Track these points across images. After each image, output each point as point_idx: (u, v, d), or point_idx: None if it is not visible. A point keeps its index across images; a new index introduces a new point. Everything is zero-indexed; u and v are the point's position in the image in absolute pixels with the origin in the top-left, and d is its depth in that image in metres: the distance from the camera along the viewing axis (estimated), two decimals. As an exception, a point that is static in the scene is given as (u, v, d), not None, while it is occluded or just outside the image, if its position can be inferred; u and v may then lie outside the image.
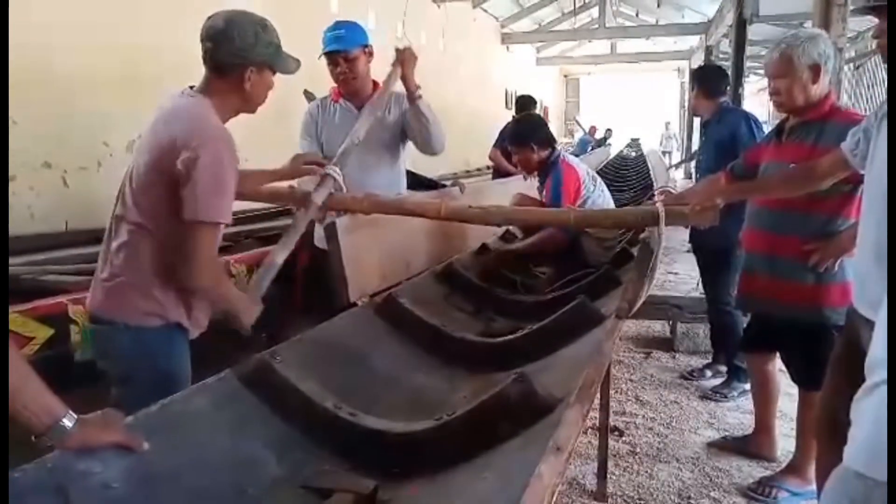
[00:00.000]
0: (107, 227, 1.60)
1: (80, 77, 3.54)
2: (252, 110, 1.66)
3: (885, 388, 0.81)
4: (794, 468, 2.30)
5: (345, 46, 2.46)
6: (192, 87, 1.60)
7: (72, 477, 1.04)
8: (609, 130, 15.93)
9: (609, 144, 14.74)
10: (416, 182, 3.70)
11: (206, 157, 1.44)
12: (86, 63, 3.56)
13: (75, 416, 1.04)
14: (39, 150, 3.40)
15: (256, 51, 1.55)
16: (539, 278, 3.26)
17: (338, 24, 2.51)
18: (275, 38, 1.61)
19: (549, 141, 3.16)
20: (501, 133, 5.74)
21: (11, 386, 0.95)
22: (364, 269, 2.22)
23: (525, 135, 3.17)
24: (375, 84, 2.54)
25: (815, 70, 2.07)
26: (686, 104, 10.59)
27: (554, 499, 1.01)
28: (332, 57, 2.47)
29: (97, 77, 3.61)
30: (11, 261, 2.53)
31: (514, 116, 5.92)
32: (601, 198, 3.11)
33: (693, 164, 6.22)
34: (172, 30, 3.48)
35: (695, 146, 8.66)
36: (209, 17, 1.57)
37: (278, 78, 1.66)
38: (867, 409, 0.86)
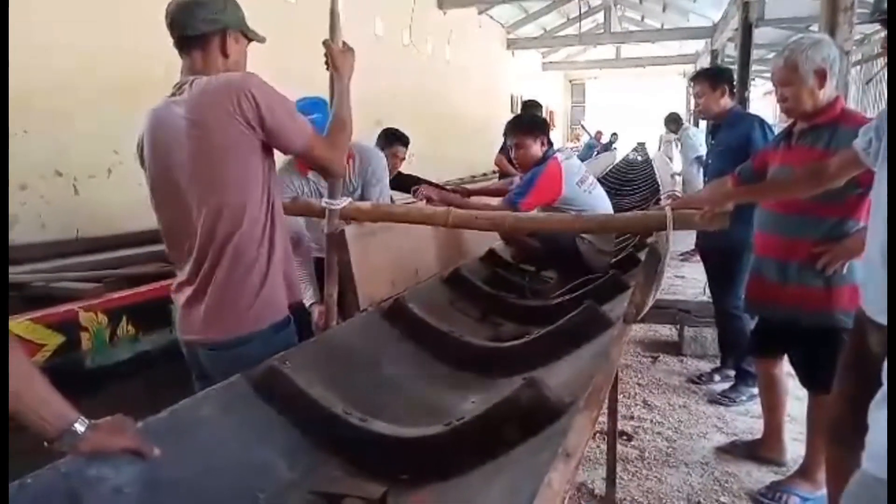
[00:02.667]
0: (192, 260, 1.54)
1: (89, 85, 3.58)
2: None
3: None
4: (805, 473, 2.29)
5: None
6: (174, 86, 1.54)
7: (85, 482, 1.05)
8: (615, 135, 15.89)
9: (615, 149, 14.71)
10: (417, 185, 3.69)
11: (262, 96, 1.44)
12: (93, 71, 3.59)
13: (87, 422, 1.04)
14: (50, 159, 3.43)
15: (229, 14, 1.54)
16: (546, 283, 3.26)
17: (305, 108, 2.25)
18: (239, 7, 1.60)
19: (548, 138, 3.14)
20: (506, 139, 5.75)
21: (22, 392, 0.96)
22: (373, 276, 2.23)
23: (529, 124, 3.17)
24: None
25: (821, 75, 2.07)
26: (691, 108, 10.54)
27: (564, 504, 1.01)
28: None
29: (105, 85, 3.65)
30: (23, 269, 2.56)
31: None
32: (590, 201, 2.99)
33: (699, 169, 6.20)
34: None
35: (678, 158, 8.65)
36: (169, 3, 1.53)
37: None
38: (885, 415, 0.86)
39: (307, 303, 2.40)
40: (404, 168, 3.67)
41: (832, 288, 2.09)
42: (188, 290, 1.56)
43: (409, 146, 3.60)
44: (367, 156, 2.58)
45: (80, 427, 1.02)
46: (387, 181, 2.66)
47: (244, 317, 1.52)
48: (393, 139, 3.48)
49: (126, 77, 3.67)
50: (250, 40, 1.63)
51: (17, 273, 2.44)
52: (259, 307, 1.53)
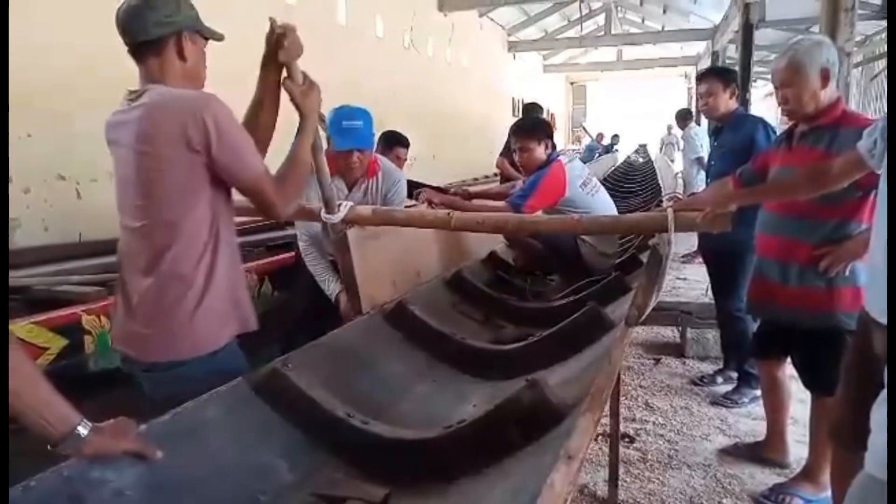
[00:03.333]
0: (130, 272, 1.48)
1: (89, 87, 3.59)
2: (199, 89, 1.53)
3: None
4: (808, 475, 2.28)
5: (364, 146, 2.40)
6: (131, 92, 1.49)
7: (87, 485, 1.05)
8: (616, 136, 15.91)
9: (616, 150, 14.72)
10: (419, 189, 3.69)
11: (214, 123, 1.37)
12: (93, 72, 3.61)
13: (90, 425, 1.04)
14: (53, 163, 3.45)
15: (182, 14, 1.46)
16: (548, 285, 3.26)
17: (353, 113, 2.38)
18: (193, 6, 1.51)
19: (552, 141, 3.15)
20: (508, 141, 5.75)
21: (25, 395, 0.97)
22: (375, 278, 2.23)
23: (533, 127, 3.17)
24: (372, 163, 2.52)
25: (824, 75, 2.07)
26: (694, 109, 10.53)
27: (567, 506, 1.01)
28: (349, 151, 2.39)
29: (106, 87, 3.66)
30: (26, 272, 2.56)
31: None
32: (592, 203, 2.99)
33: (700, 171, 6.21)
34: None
35: (679, 160, 8.66)
36: (118, 9, 1.46)
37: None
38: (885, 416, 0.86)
39: (332, 294, 2.43)
40: (405, 171, 3.67)
41: (834, 289, 2.08)
42: (123, 303, 1.50)
43: (410, 148, 3.61)
44: (392, 176, 2.59)
45: (83, 430, 1.03)
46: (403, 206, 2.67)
47: (177, 340, 1.44)
48: (393, 141, 3.49)
49: (127, 79, 3.68)
50: (208, 40, 1.54)
51: (20, 276, 2.45)
52: (193, 332, 1.44)
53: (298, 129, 1.61)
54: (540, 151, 3.04)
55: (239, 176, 1.45)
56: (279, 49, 1.56)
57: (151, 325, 1.44)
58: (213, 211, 1.47)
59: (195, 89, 1.51)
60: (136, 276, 1.46)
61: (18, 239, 3.20)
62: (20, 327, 1.89)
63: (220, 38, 1.56)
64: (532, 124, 3.28)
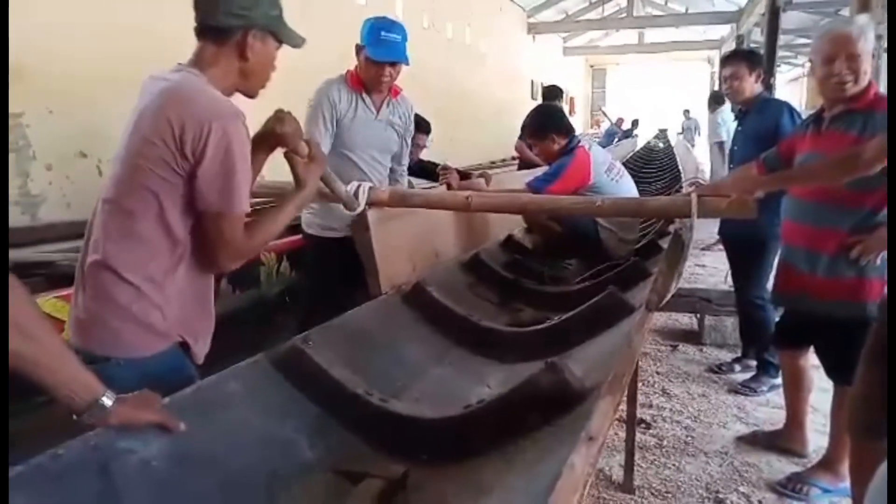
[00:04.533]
0: (80, 258, 1.39)
1: (110, 65, 3.60)
2: (253, 92, 1.44)
3: None
4: (827, 464, 2.26)
5: (400, 60, 2.38)
6: (178, 64, 1.40)
7: (114, 454, 1.07)
8: (636, 121, 15.70)
9: (635, 135, 14.54)
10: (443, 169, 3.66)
11: (218, 138, 1.27)
12: (114, 51, 3.62)
13: (114, 395, 1.06)
14: (74, 140, 3.47)
15: (260, 10, 1.36)
16: (566, 269, 3.25)
17: (392, 26, 2.36)
18: (279, 4, 1.41)
19: (567, 129, 3.12)
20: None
21: (55, 368, 0.98)
22: (394, 259, 2.23)
23: (544, 126, 3.14)
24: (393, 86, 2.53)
25: (872, 55, 2.02)
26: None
27: (587, 489, 1.00)
28: (383, 63, 2.36)
29: (125, 65, 3.67)
30: (49, 248, 2.59)
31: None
32: (617, 189, 2.96)
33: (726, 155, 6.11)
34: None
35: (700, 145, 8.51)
36: None
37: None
38: None
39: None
40: (424, 155, 3.64)
41: (864, 280, 2.04)
42: (77, 282, 1.40)
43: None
44: (408, 103, 2.64)
45: (107, 401, 1.04)
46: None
47: (106, 333, 1.33)
48: (415, 127, 3.46)
49: (147, 57, 3.69)
50: (282, 43, 1.43)
51: (44, 252, 2.48)
52: (123, 329, 1.32)
53: (292, 195, 1.51)
54: (553, 145, 3.05)
55: (215, 202, 1.30)
56: (283, 143, 1.49)
57: (87, 309, 1.34)
58: (185, 229, 1.34)
59: (248, 89, 1.43)
60: (88, 252, 1.37)
61: (42, 214, 3.25)
62: (44, 302, 1.92)
63: (297, 44, 1.44)
64: (541, 123, 3.20)
